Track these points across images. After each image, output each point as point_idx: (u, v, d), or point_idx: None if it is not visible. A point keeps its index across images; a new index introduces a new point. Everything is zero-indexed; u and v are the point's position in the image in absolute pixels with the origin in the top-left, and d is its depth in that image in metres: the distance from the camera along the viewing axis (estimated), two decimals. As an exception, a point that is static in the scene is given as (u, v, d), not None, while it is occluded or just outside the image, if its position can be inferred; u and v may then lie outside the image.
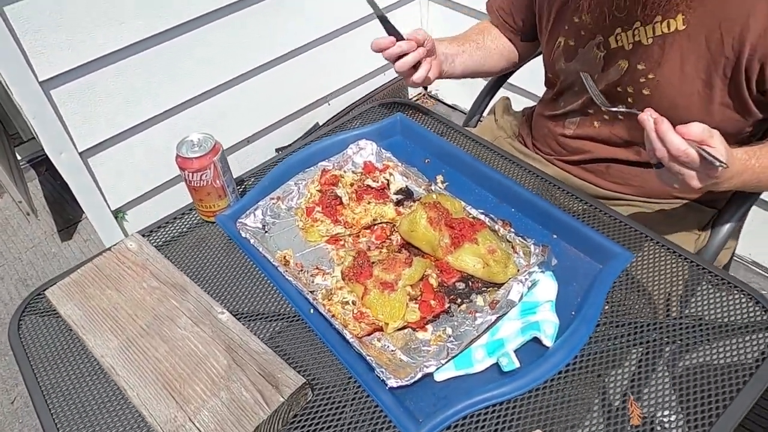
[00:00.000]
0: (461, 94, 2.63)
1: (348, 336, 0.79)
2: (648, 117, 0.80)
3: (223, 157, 0.98)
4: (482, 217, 0.93)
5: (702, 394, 0.73)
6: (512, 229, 0.91)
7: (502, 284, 0.85)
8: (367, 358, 0.76)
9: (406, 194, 1.02)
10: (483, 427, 0.72)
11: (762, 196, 1.71)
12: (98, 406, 0.80)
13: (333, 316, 0.83)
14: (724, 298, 0.84)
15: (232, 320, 0.85)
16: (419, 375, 0.75)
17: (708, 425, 0.70)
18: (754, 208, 1.75)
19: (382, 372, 0.75)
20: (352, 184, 1.03)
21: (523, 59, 1.33)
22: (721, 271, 0.88)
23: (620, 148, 1.11)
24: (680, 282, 0.88)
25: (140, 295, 0.90)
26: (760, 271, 1.91)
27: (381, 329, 0.82)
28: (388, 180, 1.04)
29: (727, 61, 0.91)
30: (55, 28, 1.57)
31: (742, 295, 0.84)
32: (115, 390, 0.81)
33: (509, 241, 0.90)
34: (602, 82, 1.05)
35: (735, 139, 1.01)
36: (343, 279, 0.87)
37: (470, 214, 0.94)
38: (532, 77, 1.29)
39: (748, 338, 0.79)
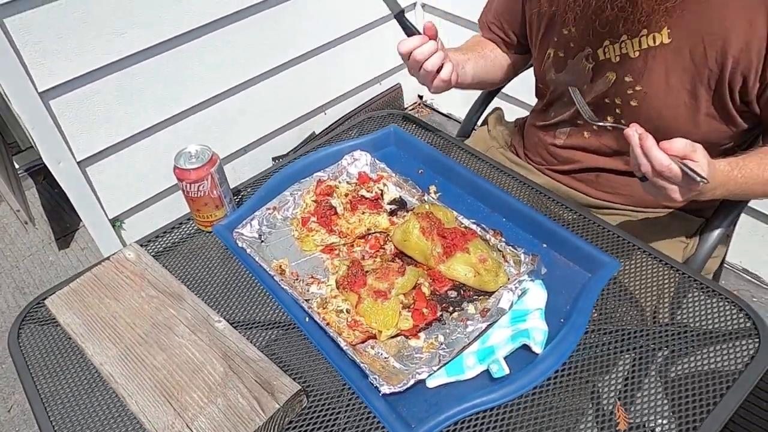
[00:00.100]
0: (456, 104, 2.66)
1: (342, 344, 0.81)
2: (633, 132, 0.83)
3: (220, 168, 1.00)
4: (474, 226, 0.95)
5: (688, 399, 0.75)
6: (503, 239, 0.93)
7: (493, 293, 0.86)
8: (361, 365, 0.78)
9: (400, 204, 1.04)
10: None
11: (752, 205, 1.76)
12: (97, 413, 0.81)
13: (328, 324, 0.84)
14: (710, 306, 0.86)
15: (228, 328, 0.86)
16: (412, 382, 0.77)
17: (693, 429, 0.72)
18: (744, 216, 1.78)
19: (375, 379, 0.76)
20: (346, 195, 1.05)
21: (518, 71, 1.36)
22: (707, 279, 0.90)
23: (610, 157, 1.13)
24: (667, 290, 0.90)
25: (138, 303, 0.91)
26: (751, 279, 1.93)
27: (374, 337, 0.84)
28: (382, 190, 1.06)
29: (711, 74, 0.94)
30: (54, 40, 1.60)
31: (726, 303, 0.86)
32: (114, 397, 0.82)
33: (500, 251, 0.92)
34: (591, 93, 1.07)
35: (721, 149, 1.03)
36: (338, 288, 0.89)
37: (462, 223, 0.96)
38: (525, 87, 1.32)
39: (732, 345, 0.81)
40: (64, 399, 0.83)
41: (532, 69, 1.27)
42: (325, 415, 0.78)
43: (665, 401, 0.76)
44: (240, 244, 0.98)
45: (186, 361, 0.82)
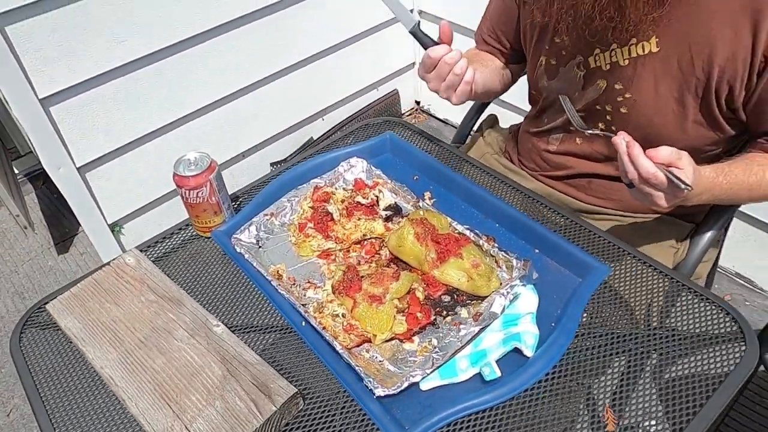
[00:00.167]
0: (452, 109, 2.67)
1: (338, 347, 0.83)
2: (621, 140, 0.85)
3: (219, 175, 1.02)
4: (467, 232, 0.97)
5: (675, 400, 0.77)
6: (496, 244, 0.95)
7: (486, 297, 0.88)
8: (356, 368, 0.80)
9: (395, 210, 1.06)
10: (466, 433, 0.76)
11: (746, 211, 1.78)
12: (98, 416, 0.83)
13: (324, 328, 0.86)
14: (699, 311, 0.88)
15: (226, 332, 0.88)
16: (405, 384, 0.78)
17: (680, 430, 0.74)
18: (737, 221, 1.81)
19: (370, 382, 0.78)
20: (342, 201, 1.07)
21: (516, 79, 1.37)
22: (694, 284, 0.92)
23: (601, 163, 1.15)
24: (656, 295, 0.92)
25: (138, 308, 0.93)
26: (743, 283, 1.95)
27: (369, 341, 0.86)
28: (377, 196, 1.08)
29: (698, 82, 0.96)
30: (55, 47, 1.61)
31: (714, 307, 0.87)
32: (114, 400, 0.84)
33: (493, 256, 0.94)
34: (582, 100, 1.09)
35: (709, 155, 1.05)
36: (334, 293, 0.91)
37: (456, 229, 0.98)
38: (520, 94, 1.34)
39: (720, 348, 0.83)
40: (65, 401, 0.85)
41: (526, 76, 1.29)
42: (320, 417, 0.80)
43: (654, 403, 0.78)
44: (238, 250, 1.00)
45: (185, 365, 0.84)
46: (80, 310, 0.93)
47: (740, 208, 1.70)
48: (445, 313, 0.89)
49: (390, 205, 1.07)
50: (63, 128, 1.73)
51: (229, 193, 1.08)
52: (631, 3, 0.89)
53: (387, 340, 0.86)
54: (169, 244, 1.08)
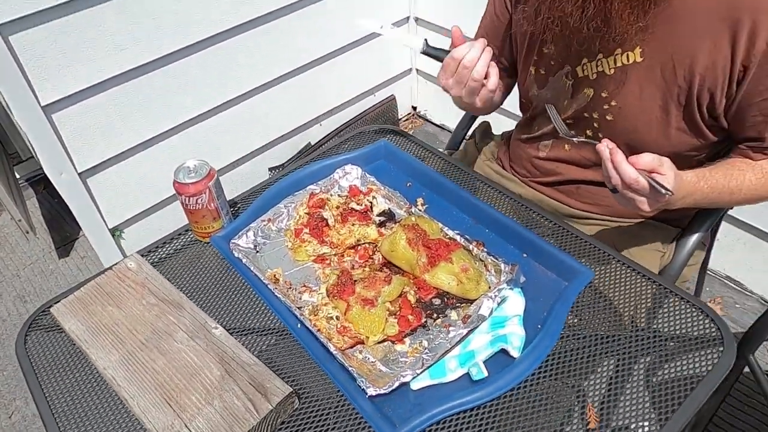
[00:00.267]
0: (449, 114, 2.71)
1: (332, 348, 0.86)
2: (604, 147, 0.88)
3: (218, 182, 1.05)
4: (458, 237, 1.00)
5: (656, 399, 0.80)
6: (485, 249, 0.98)
7: (475, 300, 0.91)
8: (349, 368, 0.83)
9: (389, 216, 1.09)
10: (455, 431, 0.79)
11: (736, 215, 1.81)
12: (101, 415, 0.86)
13: (318, 330, 0.89)
14: (681, 313, 0.91)
15: (225, 335, 0.91)
16: (396, 384, 0.81)
17: (659, 428, 0.77)
18: (727, 226, 1.84)
19: (362, 381, 0.81)
20: (337, 207, 1.10)
21: (509, 92, 1.39)
22: (677, 287, 0.95)
23: (589, 169, 1.18)
24: (636, 297, 0.94)
25: (139, 311, 0.96)
26: (734, 285, 1.99)
27: (362, 342, 0.89)
28: (371, 203, 1.11)
29: (680, 90, 0.98)
30: (57, 55, 1.64)
31: (695, 310, 0.91)
32: (117, 400, 0.87)
33: (482, 260, 0.97)
34: (571, 108, 1.12)
35: (693, 160, 1.08)
36: (328, 296, 0.94)
37: (447, 234, 1.01)
38: (512, 101, 1.36)
39: (699, 349, 0.86)
40: (69, 401, 0.88)
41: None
42: (315, 416, 0.83)
43: (635, 401, 0.81)
44: (236, 255, 1.03)
45: (185, 365, 0.87)
46: (83, 313, 0.97)
47: (730, 213, 1.75)
48: (435, 315, 0.92)
49: (383, 211, 1.10)
50: (65, 135, 1.76)
51: (228, 199, 1.12)
52: (617, 13, 0.91)
53: (379, 342, 0.89)
54: (169, 248, 1.11)
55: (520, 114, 1.33)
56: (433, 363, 0.85)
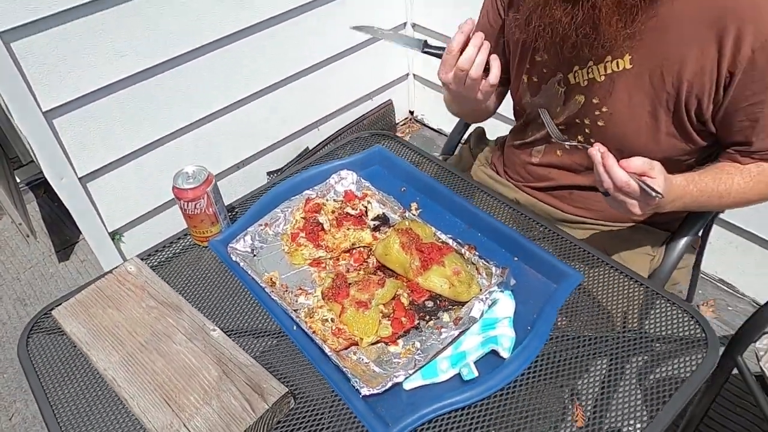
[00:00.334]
0: (445, 119, 2.73)
1: (327, 350, 0.88)
2: (596, 152, 0.90)
3: (216, 187, 1.08)
4: (450, 241, 1.02)
5: (641, 399, 0.82)
6: (476, 253, 1.00)
7: (466, 302, 0.94)
8: (344, 369, 0.85)
9: (383, 220, 1.12)
10: (446, 429, 0.81)
11: (728, 219, 1.84)
12: (102, 414, 0.88)
13: (314, 332, 0.91)
14: (667, 316, 0.93)
15: (222, 336, 0.93)
16: (389, 384, 0.83)
17: (644, 426, 0.79)
18: (719, 229, 1.87)
19: (356, 382, 0.83)
20: (333, 212, 1.12)
21: (501, 102, 1.40)
22: (664, 290, 0.97)
23: (580, 174, 1.20)
24: (628, 300, 0.97)
25: (139, 313, 0.98)
26: (726, 288, 2.01)
27: (356, 344, 0.91)
28: (366, 207, 1.13)
29: (669, 96, 1.01)
30: (58, 62, 1.67)
31: (680, 312, 0.93)
32: (117, 400, 0.89)
33: (473, 264, 0.99)
34: (563, 114, 1.15)
35: (683, 165, 1.10)
36: (323, 298, 0.96)
37: (440, 238, 1.03)
38: (507, 105, 1.38)
39: (685, 350, 0.88)
40: (70, 402, 0.90)
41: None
42: (310, 415, 0.85)
43: (621, 401, 0.83)
44: (234, 258, 1.05)
45: (183, 366, 0.89)
46: (84, 316, 0.99)
47: (723, 217, 1.77)
48: (428, 317, 0.94)
49: (378, 216, 1.12)
50: (65, 140, 1.78)
51: (226, 204, 1.14)
52: (605, 20, 0.93)
53: (373, 343, 0.91)
54: (168, 252, 1.14)
55: (510, 117, 1.35)
56: (425, 364, 0.87)
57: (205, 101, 2.07)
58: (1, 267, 2.40)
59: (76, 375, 0.94)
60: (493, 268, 0.96)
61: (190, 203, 1.05)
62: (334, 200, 1.16)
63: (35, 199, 2.69)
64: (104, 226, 2.00)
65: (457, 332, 0.89)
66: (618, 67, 1.03)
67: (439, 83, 1.08)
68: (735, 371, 1.20)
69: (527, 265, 1.01)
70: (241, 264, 1.03)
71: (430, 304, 0.96)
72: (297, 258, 1.06)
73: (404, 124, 2.91)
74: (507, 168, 1.37)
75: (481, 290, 0.95)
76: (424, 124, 2.89)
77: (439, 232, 1.04)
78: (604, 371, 0.87)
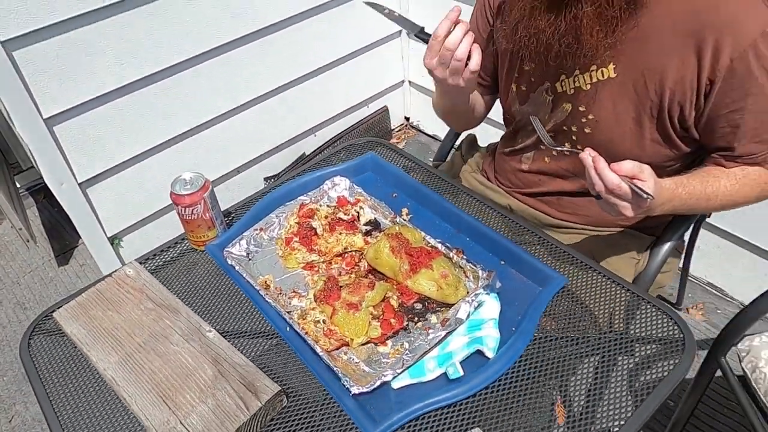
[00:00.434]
0: (440, 125, 2.75)
1: (318, 350, 0.91)
2: (587, 156, 0.93)
3: (212, 193, 1.11)
4: (439, 245, 1.05)
5: (620, 396, 0.86)
6: (464, 257, 1.04)
7: (453, 304, 0.97)
8: (335, 369, 0.88)
9: (374, 225, 1.15)
10: (432, 426, 0.84)
11: (716, 224, 1.87)
12: (101, 413, 0.91)
13: (306, 333, 0.94)
14: (648, 318, 0.96)
15: (218, 338, 0.96)
16: (378, 383, 0.86)
17: (623, 423, 0.82)
18: (708, 234, 1.90)
19: (346, 381, 0.86)
20: (326, 217, 1.15)
21: (489, 110, 1.42)
22: (645, 293, 1.00)
23: (568, 180, 1.23)
24: (611, 303, 1.00)
25: (138, 315, 1.01)
26: (715, 292, 2.04)
27: (347, 344, 0.94)
28: (358, 212, 1.16)
29: (652, 104, 1.04)
30: (59, 71, 1.70)
31: (659, 313, 0.96)
32: (116, 399, 0.92)
33: (461, 267, 1.02)
34: (551, 122, 1.18)
35: (668, 170, 1.13)
36: (315, 301, 0.99)
37: (429, 243, 1.06)
38: (498, 111, 1.42)
39: (664, 351, 0.91)
40: (71, 401, 0.93)
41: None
42: (302, 413, 0.88)
43: (602, 399, 0.86)
44: (230, 262, 1.08)
45: (180, 366, 0.92)
46: (84, 318, 1.02)
47: (711, 221, 1.80)
48: (416, 319, 0.98)
49: (370, 221, 1.15)
50: (66, 146, 1.81)
51: (222, 209, 1.17)
52: (586, 30, 0.96)
53: (363, 344, 0.94)
54: (166, 256, 1.17)
55: (501, 123, 1.39)
56: (413, 363, 0.90)
57: (203, 109, 2.10)
58: (1, 271, 2.43)
59: (76, 375, 0.97)
60: (480, 272, 1.00)
61: (187, 209, 1.08)
62: (328, 206, 1.19)
63: (35, 204, 2.71)
64: (103, 230, 2.03)
65: (444, 333, 0.92)
66: (603, 76, 1.07)
67: (434, 90, 1.11)
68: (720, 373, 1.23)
69: (513, 268, 1.05)
70: (237, 267, 1.06)
71: (418, 306, 1.00)
72: (291, 262, 1.09)
73: (400, 130, 2.94)
74: (498, 174, 1.40)
75: (468, 293, 0.98)
76: (420, 130, 2.92)
77: (429, 236, 1.07)
78: (586, 371, 0.90)
